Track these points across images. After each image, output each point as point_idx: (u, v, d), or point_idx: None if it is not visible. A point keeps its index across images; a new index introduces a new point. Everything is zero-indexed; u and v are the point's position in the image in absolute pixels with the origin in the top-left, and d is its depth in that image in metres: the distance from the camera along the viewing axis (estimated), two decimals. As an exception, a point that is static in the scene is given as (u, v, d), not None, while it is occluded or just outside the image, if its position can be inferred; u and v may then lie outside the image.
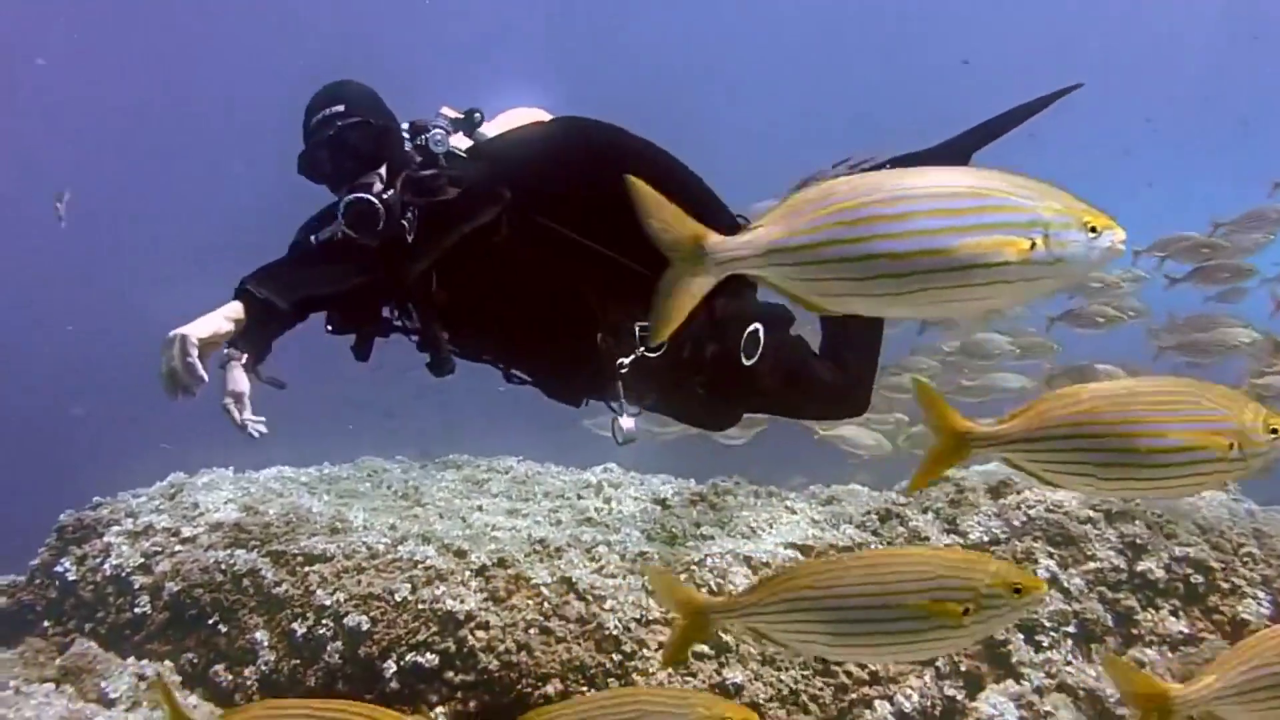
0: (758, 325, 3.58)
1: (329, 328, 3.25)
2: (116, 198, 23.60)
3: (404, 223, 3.00)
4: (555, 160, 3.23)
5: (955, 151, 3.70)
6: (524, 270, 3.20)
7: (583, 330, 3.29)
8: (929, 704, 4.29)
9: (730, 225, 3.51)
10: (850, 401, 3.94)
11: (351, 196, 3.00)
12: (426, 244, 3.03)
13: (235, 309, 2.80)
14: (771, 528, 5.45)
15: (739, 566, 4.83)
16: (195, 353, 2.67)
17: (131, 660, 4.61)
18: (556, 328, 3.29)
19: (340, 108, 3.09)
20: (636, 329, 3.35)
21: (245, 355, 3.07)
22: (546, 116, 3.53)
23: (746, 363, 3.54)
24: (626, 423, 3.37)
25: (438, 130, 3.20)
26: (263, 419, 2.98)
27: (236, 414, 2.95)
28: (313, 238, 3.11)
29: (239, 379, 3.02)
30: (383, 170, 3.09)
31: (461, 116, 3.35)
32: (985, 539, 4.88)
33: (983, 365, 6.83)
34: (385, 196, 3.02)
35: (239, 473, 6.38)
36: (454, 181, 3.05)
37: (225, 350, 3.13)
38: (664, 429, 7.08)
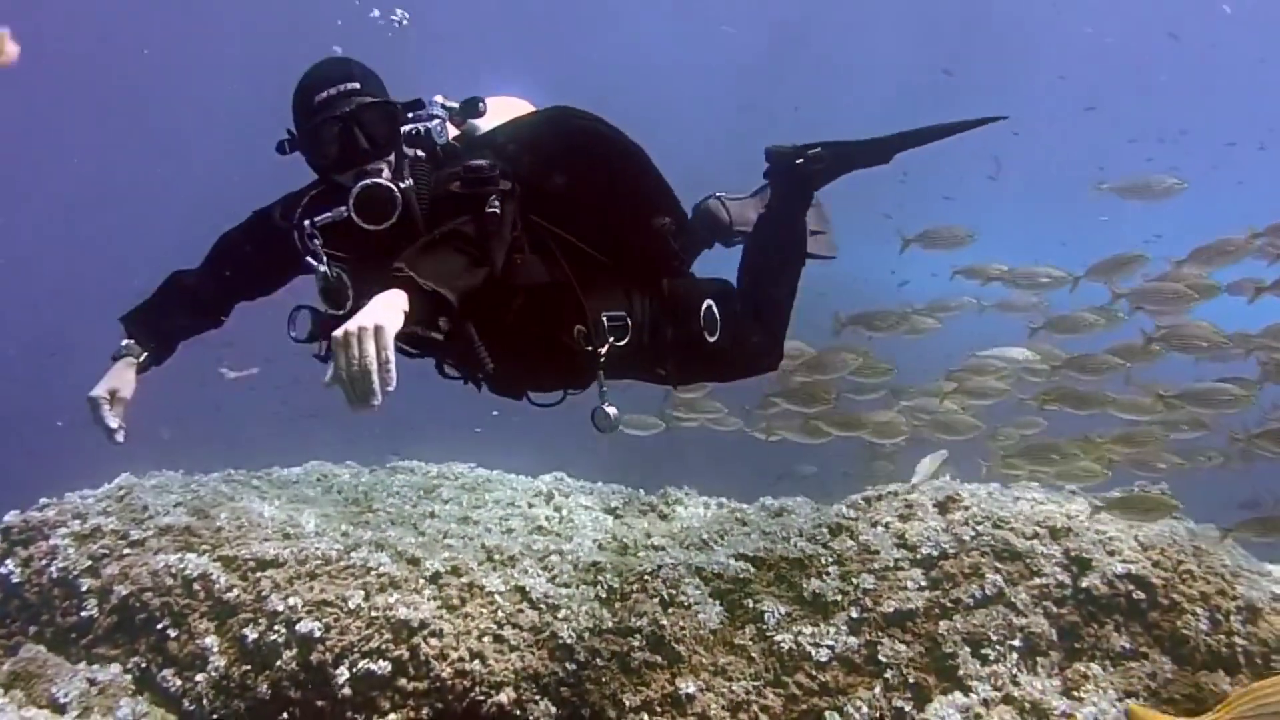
0: (710, 301, 3.61)
1: (292, 335, 3.14)
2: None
3: (493, 210, 2.82)
4: (544, 156, 3.19)
5: (882, 146, 3.85)
6: (522, 265, 3.13)
7: (566, 323, 3.26)
8: (878, 715, 4.34)
9: (681, 215, 3.59)
10: (772, 357, 4.03)
11: (369, 181, 2.86)
12: (499, 236, 2.87)
13: (401, 298, 2.45)
14: (723, 539, 5.50)
15: (691, 578, 4.88)
16: (391, 350, 2.29)
17: (82, 665, 4.54)
18: (545, 322, 3.25)
19: (356, 85, 2.91)
20: (605, 320, 3.32)
21: (143, 354, 3.05)
22: (529, 106, 3.50)
23: (710, 339, 3.58)
24: (611, 410, 3.37)
25: (437, 120, 3.12)
26: (123, 427, 2.90)
27: (106, 415, 2.88)
28: (309, 222, 2.91)
29: (126, 378, 2.96)
30: (391, 157, 2.96)
31: (456, 106, 3.26)
32: (934, 553, 4.95)
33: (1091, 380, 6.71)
34: (403, 185, 2.93)
35: (188, 475, 6.32)
36: (504, 174, 2.94)
37: (124, 344, 3.08)
38: (690, 414, 7.09)
